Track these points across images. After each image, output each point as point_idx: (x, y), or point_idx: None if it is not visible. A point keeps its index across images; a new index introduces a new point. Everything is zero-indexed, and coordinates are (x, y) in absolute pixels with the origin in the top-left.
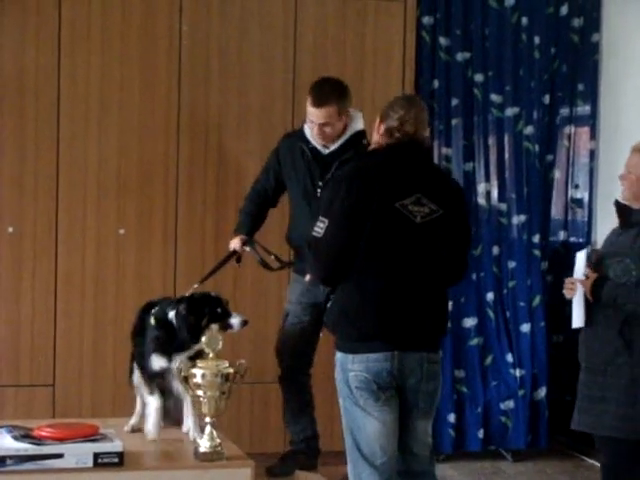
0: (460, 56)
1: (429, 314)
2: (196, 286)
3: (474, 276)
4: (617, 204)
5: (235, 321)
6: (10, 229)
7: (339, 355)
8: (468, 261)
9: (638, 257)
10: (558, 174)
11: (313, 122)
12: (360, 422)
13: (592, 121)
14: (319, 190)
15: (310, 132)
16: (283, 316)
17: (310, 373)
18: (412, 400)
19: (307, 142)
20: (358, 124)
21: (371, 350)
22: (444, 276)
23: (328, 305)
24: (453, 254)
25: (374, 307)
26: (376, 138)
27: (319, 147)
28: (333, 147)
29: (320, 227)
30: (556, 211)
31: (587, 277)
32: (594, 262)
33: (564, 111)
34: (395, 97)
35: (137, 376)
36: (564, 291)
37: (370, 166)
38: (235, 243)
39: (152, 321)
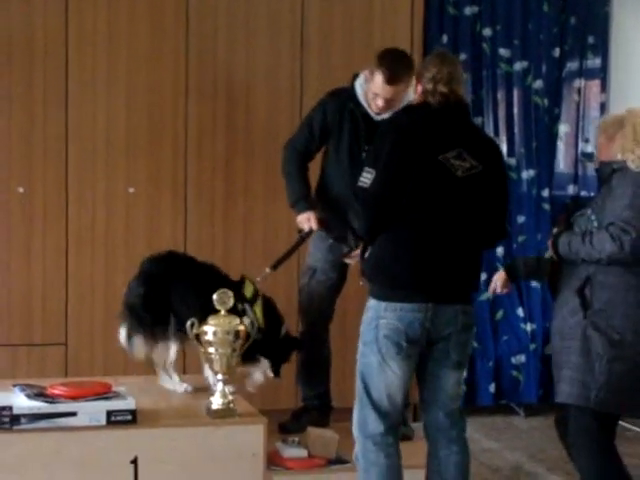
0: (468, 10)
1: (464, 268)
2: (268, 272)
3: None
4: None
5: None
6: (20, 189)
7: (372, 302)
8: (507, 226)
9: (599, 208)
10: (568, 128)
11: (378, 95)
12: (375, 370)
13: (603, 74)
14: (364, 154)
15: (366, 98)
16: (309, 273)
17: (329, 328)
18: (444, 351)
19: (358, 104)
20: (410, 95)
21: (405, 300)
22: (483, 235)
23: (366, 255)
24: (493, 213)
25: (411, 257)
26: (416, 98)
27: (371, 113)
28: (386, 115)
29: (367, 177)
30: (566, 165)
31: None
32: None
33: (574, 64)
34: (428, 55)
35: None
36: None
37: (413, 120)
38: (312, 223)
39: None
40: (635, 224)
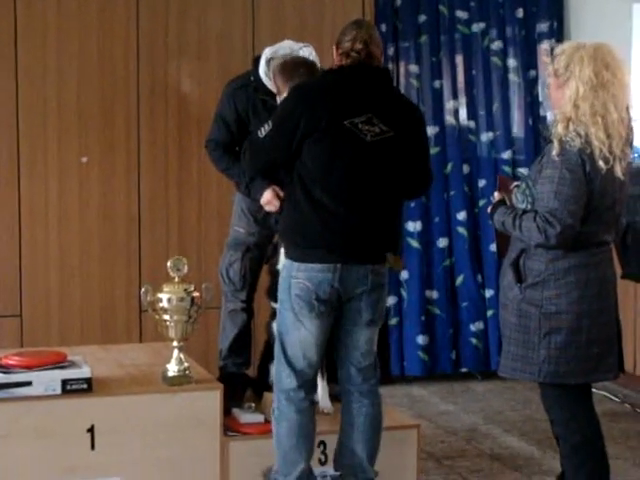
0: None
1: (375, 229)
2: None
3: (445, 196)
4: None
5: None
6: None
7: (287, 262)
8: (431, 172)
9: (533, 182)
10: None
11: None
12: (290, 327)
13: (559, 36)
14: None
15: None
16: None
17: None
18: (356, 309)
19: (267, 92)
20: None
21: (315, 260)
22: (395, 196)
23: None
24: (411, 171)
25: (320, 219)
26: (336, 63)
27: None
28: None
29: (265, 129)
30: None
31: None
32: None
33: (539, 26)
34: (345, 25)
35: None
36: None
37: (322, 83)
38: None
39: None
40: (560, 216)
